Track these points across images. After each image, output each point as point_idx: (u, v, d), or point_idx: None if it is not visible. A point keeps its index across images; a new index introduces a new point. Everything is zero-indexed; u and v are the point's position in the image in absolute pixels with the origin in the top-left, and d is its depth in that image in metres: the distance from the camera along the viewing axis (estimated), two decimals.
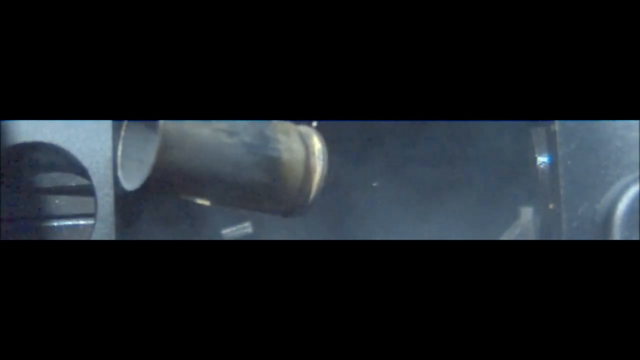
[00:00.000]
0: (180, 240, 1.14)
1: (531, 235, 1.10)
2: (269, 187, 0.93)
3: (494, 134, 1.20)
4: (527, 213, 1.11)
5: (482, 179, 1.24)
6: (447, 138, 1.27)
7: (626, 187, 0.95)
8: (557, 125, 0.99)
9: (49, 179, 1.06)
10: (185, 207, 1.19)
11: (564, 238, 0.97)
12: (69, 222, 1.05)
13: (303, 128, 0.99)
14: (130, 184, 0.89)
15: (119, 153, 0.92)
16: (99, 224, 0.99)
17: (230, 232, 1.21)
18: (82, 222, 1.05)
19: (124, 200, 1.01)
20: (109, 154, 0.99)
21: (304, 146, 0.96)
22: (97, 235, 0.99)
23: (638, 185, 0.95)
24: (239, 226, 1.21)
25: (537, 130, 1.07)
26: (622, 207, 0.95)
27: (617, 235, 0.95)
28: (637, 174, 0.96)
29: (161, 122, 0.84)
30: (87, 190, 1.02)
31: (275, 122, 0.95)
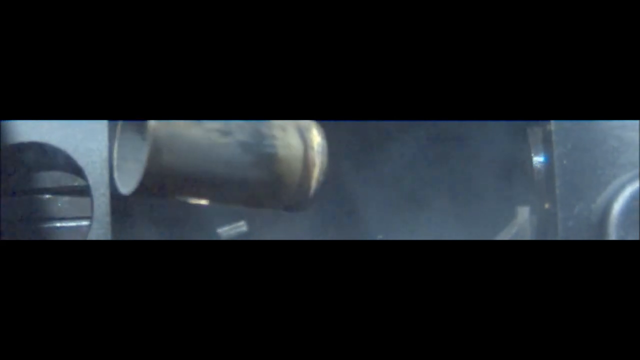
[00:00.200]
0: (176, 240, 1.14)
1: (528, 235, 1.10)
2: (267, 184, 0.93)
3: (490, 134, 1.20)
4: (523, 212, 1.11)
5: (478, 178, 1.24)
6: (444, 138, 1.28)
7: (622, 187, 0.96)
8: (552, 125, 0.99)
9: (46, 179, 1.06)
10: (180, 207, 1.18)
11: (559, 238, 0.98)
12: (71, 224, 1.05)
13: (302, 122, 0.99)
14: (127, 187, 0.88)
15: (115, 155, 0.92)
16: (95, 224, 0.99)
17: (225, 231, 1.21)
18: (83, 223, 1.05)
19: (120, 201, 1.01)
20: (105, 153, 0.99)
21: (302, 141, 0.95)
22: (93, 235, 0.99)
23: (633, 185, 0.95)
24: (234, 225, 1.21)
25: (533, 130, 1.07)
26: (617, 206, 0.95)
27: (612, 235, 0.95)
28: (633, 173, 0.97)
29: (151, 127, 0.84)
30: (86, 192, 1.02)
31: None
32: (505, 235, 1.11)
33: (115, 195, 0.99)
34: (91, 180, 0.99)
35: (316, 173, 0.95)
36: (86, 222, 1.03)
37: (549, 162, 1.02)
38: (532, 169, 1.06)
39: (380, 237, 1.27)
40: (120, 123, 0.92)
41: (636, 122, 0.98)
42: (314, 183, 0.95)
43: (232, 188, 0.91)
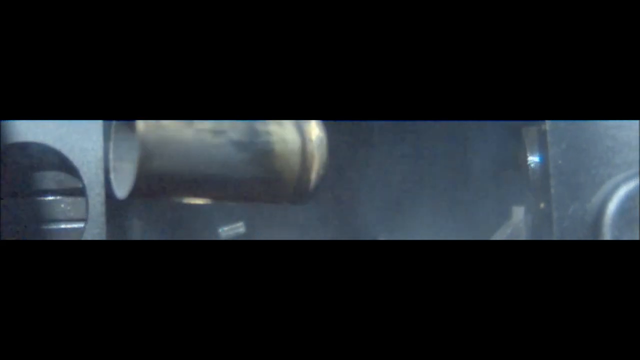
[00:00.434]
0: (172, 240, 1.14)
1: (523, 235, 1.10)
2: (265, 181, 0.92)
3: (485, 134, 1.20)
4: (518, 212, 1.12)
5: (474, 178, 1.24)
6: (440, 138, 1.28)
7: (616, 187, 0.96)
8: (547, 125, 0.99)
9: (41, 180, 1.05)
10: (177, 207, 1.18)
11: (554, 238, 0.98)
12: (67, 226, 1.05)
13: None
14: (122, 190, 0.88)
15: (111, 156, 0.91)
16: (90, 224, 0.99)
17: (223, 232, 1.20)
18: (79, 225, 1.04)
19: (115, 201, 1.00)
20: (100, 153, 0.99)
21: (300, 134, 0.94)
22: (88, 235, 0.99)
23: (628, 185, 0.95)
24: (232, 226, 1.21)
25: (529, 129, 1.07)
26: (612, 206, 0.95)
27: (607, 234, 0.95)
28: (628, 173, 0.97)
29: (139, 131, 0.83)
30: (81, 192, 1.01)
31: None
32: (501, 235, 1.12)
33: (110, 195, 0.99)
34: (86, 180, 0.99)
35: (316, 166, 0.94)
36: (81, 225, 1.03)
37: (544, 161, 1.02)
38: (528, 169, 1.06)
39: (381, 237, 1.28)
40: (114, 123, 0.91)
41: (631, 122, 0.98)
42: (314, 176, 0.94)
43: (228, 187, 0.91)
